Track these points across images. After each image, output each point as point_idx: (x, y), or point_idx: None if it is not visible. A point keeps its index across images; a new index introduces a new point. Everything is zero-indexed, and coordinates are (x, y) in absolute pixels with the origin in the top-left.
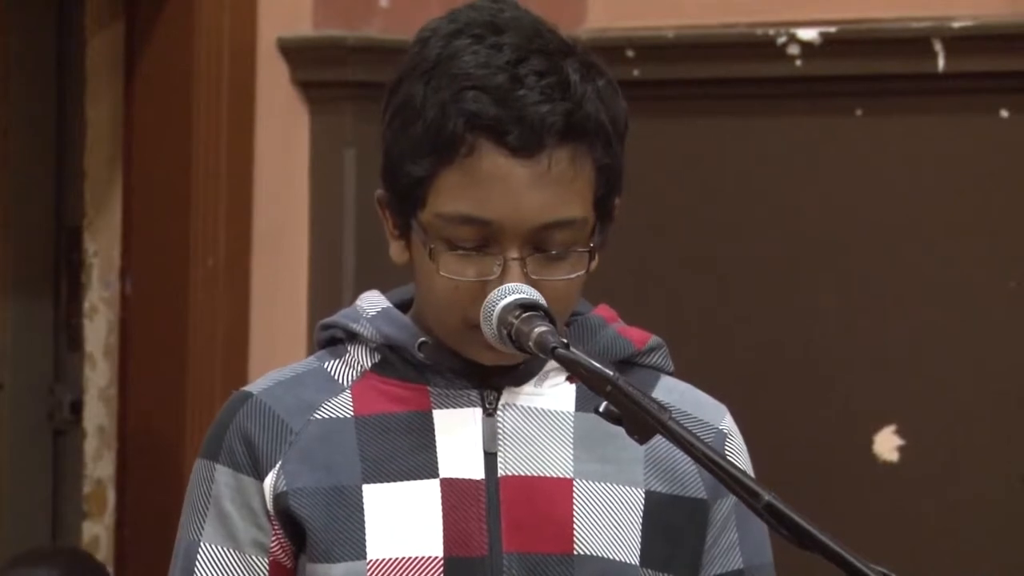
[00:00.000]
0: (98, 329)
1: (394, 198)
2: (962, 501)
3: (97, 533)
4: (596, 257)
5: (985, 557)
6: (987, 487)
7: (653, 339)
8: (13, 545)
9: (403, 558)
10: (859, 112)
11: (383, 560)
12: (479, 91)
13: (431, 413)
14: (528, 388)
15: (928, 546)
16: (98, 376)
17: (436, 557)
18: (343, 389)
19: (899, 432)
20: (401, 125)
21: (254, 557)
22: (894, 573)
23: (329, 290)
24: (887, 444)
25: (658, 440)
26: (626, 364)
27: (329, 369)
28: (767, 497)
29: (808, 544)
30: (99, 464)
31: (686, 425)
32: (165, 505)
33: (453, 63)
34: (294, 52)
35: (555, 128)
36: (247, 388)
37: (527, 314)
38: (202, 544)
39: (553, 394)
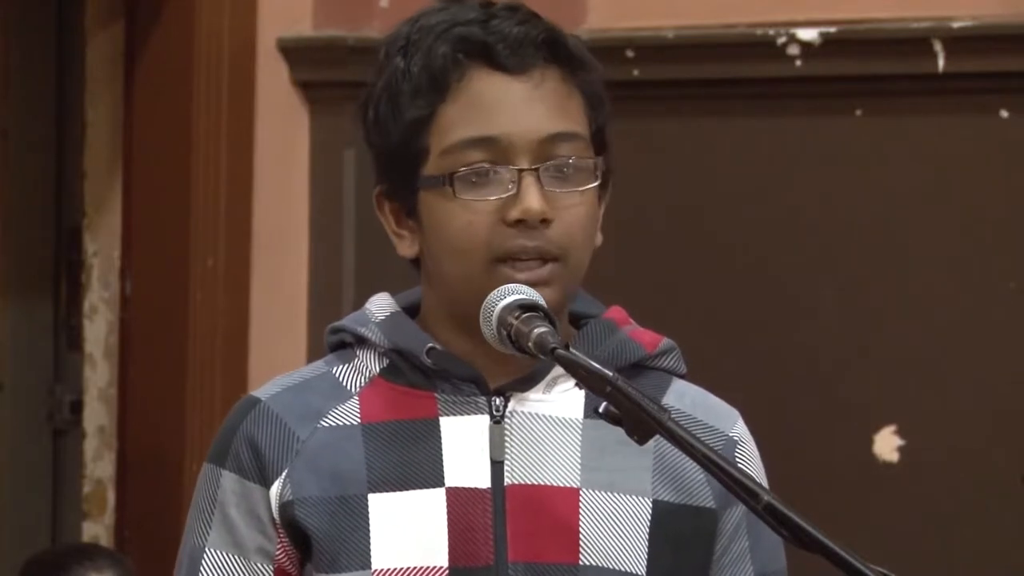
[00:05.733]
0: (98, 329)
1: (393, 168)
2: (962, 501)
3: (97, 533)
4: (606, 194)
5: (985, 557)
6: (987, 487)
7: (665, 342)
8: (13, 545)
9: (408, 568)
10: (859, 112)
11: (388, 570)
12: (459, 26)
13: (438, 420)
14: (536, 394)
15: (928, 546)
16: (98, 376)
17: (441, 567)
18: (351, 395)
19: (899, 432)
20: (390, 95)
21: (259, 564)
22: (894, 573)
23: (329, 290)
24: (887, 444)
25: (667, 449)
26: (638, 367)
27: (337, 374)
28: (766, 498)
29: (808, 544)
30: (99, 464)
31: (696, 431)
32: (165, 505)
33: (425, 22)
34: (294, 52)
35: (540, 40)
36: (255, 393)
37: (527, 315)
38: (207, 550)
39: (561, 401)
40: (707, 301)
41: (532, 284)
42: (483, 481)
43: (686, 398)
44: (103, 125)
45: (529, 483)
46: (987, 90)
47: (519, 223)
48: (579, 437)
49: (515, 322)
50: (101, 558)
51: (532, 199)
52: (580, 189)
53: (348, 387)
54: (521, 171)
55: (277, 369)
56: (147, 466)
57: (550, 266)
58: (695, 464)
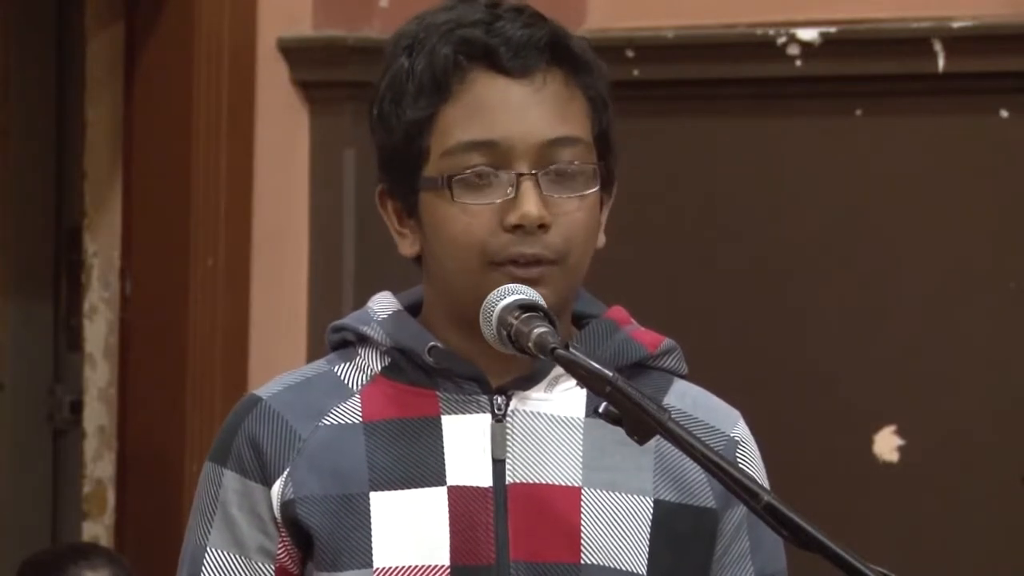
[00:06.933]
0: (98, 329)
1: (395, 168)
2: (962, 501)
3: (97, 533)
4: (610, 197)
5: (985, 557)
6: (987, 487)
7: (666, 342)
8: (13, 545)
9: (410, 567)
10: (859, 112)
11: (390, 568)
12: (464, 28)
13: (440, 419)
14: (538, 393)
15: (928, 546)
16: (98, 376)
17: (443, 566)
18: (352, 394)
19: (899, 432)
20: (393, 93)
21: (260, 564)
22: (894, 573)
23: (329, 290)
24: (887, 444)
25: (668, 448)
26: (639, 368)
27: (339, 373)
28: (766, 498)
29: (808, 544)
30: (99, 464)
31: (697, 432)
32: (165, 505)
33: (431, 21)
34: (294, 52)
35: (543, 44)
36: (257, 392)
37: (527, 315)
38: (208, 549)
39: (563, 399)
40: (707, 301)
41: (525, 283)
42: (485, 480)
43: (687, 398)
44: (103, 125)
45: (531, 482)
46: (987, 90)
47: (517, 228)
48: (581, 436)
49: (515, 322)
50: (97, 557)
51: (530, 204)
52: (580, 194)
53: (350, 385)
54: (520, 175)
55: (277, 369)
56: (147, 466)
57: (544, 266)
58: (696, 464)
